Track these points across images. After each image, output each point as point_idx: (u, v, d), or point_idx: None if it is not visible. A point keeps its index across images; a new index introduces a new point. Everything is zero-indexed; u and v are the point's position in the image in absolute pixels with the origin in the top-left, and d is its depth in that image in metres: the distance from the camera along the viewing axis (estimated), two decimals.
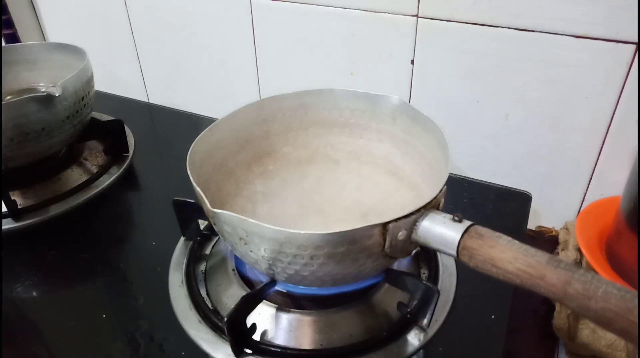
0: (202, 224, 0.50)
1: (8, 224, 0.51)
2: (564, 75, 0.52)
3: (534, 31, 0.51)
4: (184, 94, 0.79)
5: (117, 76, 0.82)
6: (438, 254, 0.47)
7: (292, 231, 0.32)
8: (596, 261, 0.51)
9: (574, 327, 0.53)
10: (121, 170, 0.59)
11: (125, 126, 0.61)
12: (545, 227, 0.63)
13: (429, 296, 0.38)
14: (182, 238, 0.49)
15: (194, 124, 0.72)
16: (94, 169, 0.59)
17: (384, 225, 0.33)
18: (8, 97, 0.64)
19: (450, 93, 0.58)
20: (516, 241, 0.31)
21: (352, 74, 0.65)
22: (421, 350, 0.39)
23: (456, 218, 0.33)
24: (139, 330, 0.41)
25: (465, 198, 0.57)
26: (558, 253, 0.59)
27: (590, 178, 0.62)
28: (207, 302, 0.43)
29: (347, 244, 0.33)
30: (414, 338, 0.40)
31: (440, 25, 0.54)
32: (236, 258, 0.45)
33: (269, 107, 0.48)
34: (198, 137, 0.42)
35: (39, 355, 0.39)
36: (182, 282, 0.44)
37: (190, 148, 0.40)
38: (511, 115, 0.58)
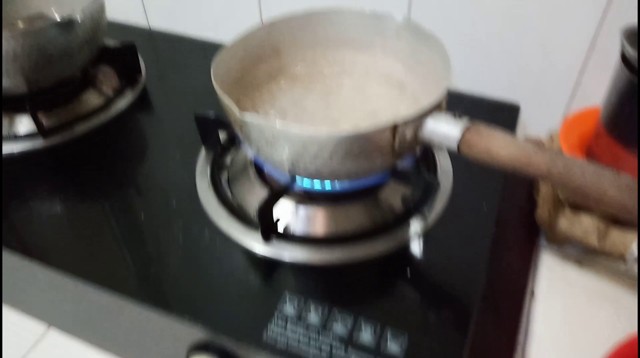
0: (221, 136, 0.54)
1: (36, 143, 0.55)
2: None
3: None
4: (184, 19, 0.80)
5: (116, 1, 0.82)
6: (436, 156, 0.53)
7: (314, 131, 0.37)
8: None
9: (554, 218, 0.60)
10: (137, 92, 0.63)
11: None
12: (532, 137, 0.69)
13: (431, 188, 0.44)
14: (203, 150, 0.54)
15: (197, 48, 0.74)
16: (110, 93, 0.62)
17: (394, 126, 0.38)
18: (20, 23, 0.65)
19: (448, 13, 0.61)
20: (508, 135, 0.37)
21: None
22: (422, 237, 0.46)
23: (457, 115, 0.39)
24: (176, 226, 0.47)
25: (459, 109, 0.61)
26: None
27: (574, 91, 0.67)
28: (233, 202, 0.48)
29: (362, 142, 0.38)
30: (416, 225, 0.46)
31: None
32: (256, 165, 0.50)
33: (280, 27, 0.52)
34: (220, 51, 0.46)
35: (91, 258, 0.45)
36: (209, 185, 0.50)
37: (214, 62, 0.44)
38: (503, 34, 0.62)
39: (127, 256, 0.44)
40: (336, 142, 0.37)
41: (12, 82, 0.53)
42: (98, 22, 0.56)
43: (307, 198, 0.47)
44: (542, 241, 0.62)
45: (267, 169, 0.48)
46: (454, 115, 0.38)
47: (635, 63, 0.49)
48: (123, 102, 0.61)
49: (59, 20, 0.51)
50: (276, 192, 0.44)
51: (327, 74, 0.54)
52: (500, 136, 0.37)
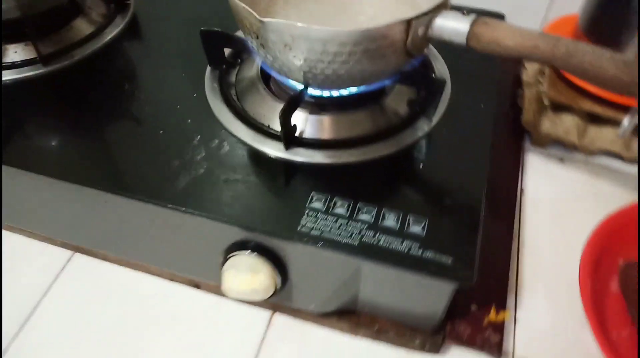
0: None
1: (37, 70, 0.54)
2: None
3: None
4: None
5: None
6: (433, 63, 0.55)
7: (336, 29, 0.39)
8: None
9: (538, 120, 0.64)
10: (128, 17, 0.62)
11: None
12: None
13: (438, 86, 0.47)
14: (209, 68, 0.55)
15: None
16: (100, 19, 0.61)
17: (408, 21, 0.40)
18: None
19: None
20: (512, 24, 0.40)
21: None
22: (429, 136, 0.49)
23: (464, 12, 0.41)
24: (196, 140, 0.48)
25: None
26: (525, 68, 0.69)
27: (551, 1, 0.70)
28: (246, 115, 0.50)
29: (379, 39, 0.40)
30: (423, 125, 0.49)
31: None
32: (264, 79, 0.52)
33: None
34: None
35: (121, 172, 0.46)
36: (222, 101, 0.51)
37: None
38: None
39: (155, 168, 0.46)
40: (356, 39, 0.39)
41: (6, 5, 0.52)
42: None
43: (317, 107, 0.49)
44: (527, 145, 0.67)
45: (280, 80, 0.50)
46: (462, 13, 0.41)
47: None
48: (115, 29, 0.60)
49: None
50: (293, 100, 0.46)
51: None
52: (506, 26, 0.40)
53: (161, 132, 0.49)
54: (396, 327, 0.47)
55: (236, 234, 0.44)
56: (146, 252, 0.52)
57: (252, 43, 0.45)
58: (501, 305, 0.49)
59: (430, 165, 0.47)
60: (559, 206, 0.60)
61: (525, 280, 0.53)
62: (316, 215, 0.43)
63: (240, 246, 0.44)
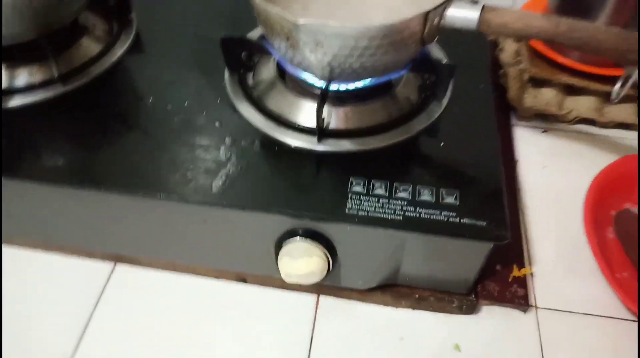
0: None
1: (56, 90, 0.55)
2: None
3: None
4: None
5: None
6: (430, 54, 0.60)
7: (367, 24, 0.43)
8: (535, 42, 0.68)
9: (521, 95, 0.71)
10: (133, 32, 0.63)
11: None
12: None
13: (449, 71, 0.52)
14: (227, 73, 0.57)
15: None
16: (105, 36, 0.63)
17: (427, 13, 0.45)
18: None
19: None
20: (516, 9, 0.45)
21: None
22: (440, 118, 0.54)
23: (473, 1, 0.46)
24: (230, 142, 0.51)
25: None
26: (502, 50, 0.75)
27: None
28: (274, 112, 0.53)
29: (403, 30, 0.45)
30: (435, 108, 0.54)
31: None
32: (283, 80, 0.55)
33: None
34: None
35: (164, 177, 0.48)
36: (249, 103, 0.54)
37: None
38: None
39: (197, 171, 0.48)
40: (384, 32, 0.43)
41: (22, 27, 0.52)
42: None
43: (337, 99, 0.53)
44: (514, 121, 0.73)
45: (300, 77, 0.53)
46: (471, 2, 0.46)
47: None
48: (124, 44, 0.61)
49: None
50: (323, 96, 0.50)
51: None
52: (512, 11, 0.45)
53: (197, 137, 0.51)
54: (434, 293, 0.52)
55: (287, 223, 0.47)
56: (192, 253, 0.54)
57: (279, 44, 0.48)
58: (520, 262, 0.55)
59: (450, 142, 0.52)
60: (549, 170, 0.67)
61: (533, 238, 0.59)
62: (359, 197, 0.46)
63: (291, 234, 0.47)
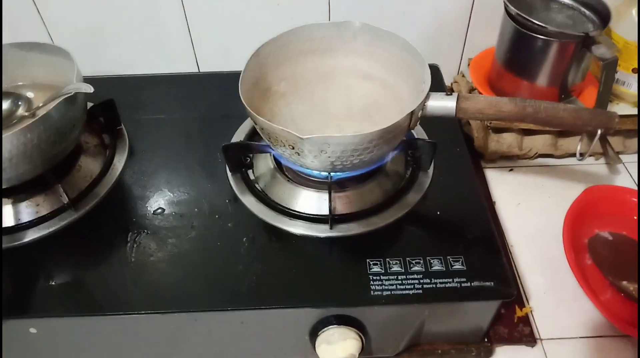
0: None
1: (69, 218, 0.57)
2: None
3: None
4: (109, 58, 0.83)
5: None
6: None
7: (367, 132, 0.49)
8: (487, 94, 0.77)
9: (486, 142, 0.79)
10: (126, 142, 0.66)
11: None
12: None
13: (432, 148, 0.58)
14: (229, 173, 0.61)
15: (135, 85, 0.78)
16: (101, 151, 0.65)
17: (412, 111, 0.51)
18: None
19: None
20: (488, 96, 0.52)
21: (278, 4, 0.78)
22: (429, 187, 0.60)
23: (448, 93, 0.53)
24: (246, 241, 0.55)
25: None
26: None
27: (465, 42, 0.86)
28: (283, 207, 0.58)
29: (395, 129, 0.51)
30: (424, 179, 0.61)
31: None
32: (286, 172, 0.60)
33: (264, 53, 0.60)
34: (240, 84, 0.54)
35: (198, 290, 0.51)
36: (257, 201, 0.58)
37: (243, 94, 0.53)
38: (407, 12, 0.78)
39: (226, 278, 0.52)
40: (381, 134, 0.49)
41: (31, 166, 0.54)
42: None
43: (338, 185, 0.59)
44: (482, 164, 0.81)
45: (306, 173, 0.58)
46: (446, 94, 0.52)
47: (517, 18, 0.68)
48: (122, 157, 0.64)
49: (67, 95, 0.53)
50: (330, 187, 0.55)
51: (305, 83, 0.65)
52: (483, 98, 0.52)
53: (218, 243, 0.55)
54: (454, 346, 0.58)
55: (319, 313, 0.51)
56: (229, 354, 0.57)
57: (283, 151, 0.53)
58: (520, 301, 0.62)
59: (444, 208, 0.58)
60: (522, 207, 0.75)
61: (523, 273, 0.66)
62: (379, 277, 0.52)
63: (324, 322, 0.52)
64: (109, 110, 0.66)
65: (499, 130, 0.78)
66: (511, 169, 0.80)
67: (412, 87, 0.58)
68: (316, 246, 0.55)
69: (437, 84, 0.76)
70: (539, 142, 0.79)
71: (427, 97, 0.52)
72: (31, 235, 0.56)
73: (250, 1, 0.78)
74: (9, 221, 0.57)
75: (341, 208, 0.58)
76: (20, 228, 0.57)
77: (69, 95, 0.54)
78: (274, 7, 0.78)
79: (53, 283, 0.52)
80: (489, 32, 0.80)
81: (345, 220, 0.57)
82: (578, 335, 0.61)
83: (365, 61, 0.64)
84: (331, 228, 0.56)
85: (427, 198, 0.59)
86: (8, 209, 0.57)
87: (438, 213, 0.58)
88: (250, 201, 0.59)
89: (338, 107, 0.65)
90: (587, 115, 0.50)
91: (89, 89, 0.53)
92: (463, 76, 0.87)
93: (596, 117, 0.49)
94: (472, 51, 0.86)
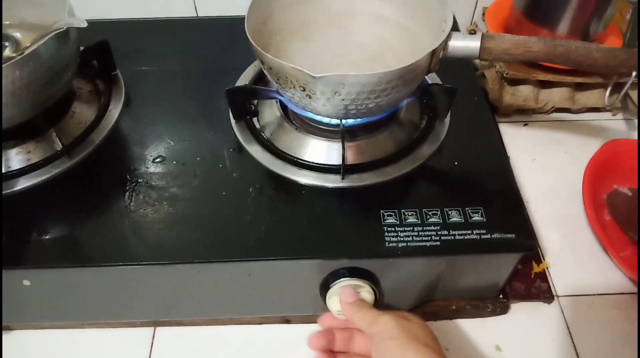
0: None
1: (63, 165, 0.54)
2: None
3: None
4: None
5: None
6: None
7: (385, 70, 0.45)
8: None
9: (501, 95, 0.75)
10: (122, 88, 0.62)
11: None
12: None
13: (451, 94, 0.54)
14: (234, 122, 0.58)
15: (129, 30, 0.73)
16: (95, 97, 0.61)
17: (434, 50, 0.47)
18: None
19: None
20: (514, 35, 0.48)
21: None
22: (447, 136, 0.57)
23: (471, 32, 0.49)
24: (255, 192, 0.52)
25: None
26: None
27: None
28: (289, 156, 0.54)
29: (415, 69, 0.47)
30: (441, 128, 0.57)
31: None
32: (294, 121, 0.57)
33: None
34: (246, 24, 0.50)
35: (205, 240, 0.49)
36: (264, 150, 0.55)
37: (247, 29, 0.49)
38: None
39: (233, 228, 0.49)
40: (400, 74, 0.46)
41: (19, 109, 0.50)
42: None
43: (349, 134, 0.55)
44: (496, 119, 0.77)
45: (317, 119, 0.55)
46: (470, 33, 0.49)
47: None
48: (118, 103, 0.60)
49: (59, 30, 0.49)
50: (343, 135, 0.51)
51: (319, 24, 0.60)
52: (509, 37, 0.48)
53: (222, 193, 0.52)
54: (469, 302, 0.55)
55: (331, 265, 0.49)
56: (236, 306, 0.54)
57: (293, 94, 0.49)
58: (537, 257, 0.59)
59: (462, 160, 0.55)
60: (538, 162, 0.72)
61: (539, 230, 0.64)
62: (395, 229, 0.49)
63: (335, 275, 0.49)
64: (103, 53, 0.61)
65: (515, 82, 0.74)
66: (526, 124, 0.77)
67: (430, 29, 0.54)
68: (327, 197, 0.52)
69: None
70: (556, 95, 0.75)
71: (448, 37, 0.48)
72: (22, 183, 0.53)
73: None
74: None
75: (352, 158, 0.54)
76: (10, 175, 0.53)
77: (61, 30, 0.49)
78: None
79: (46, 233, 0.49)
80: None
81: (358, 170, 0.53)
82: (595, 292, 0.59)
83: (379, 0, 0.60)
84: (343, 178, 0.52)
85: (444, 148, 0.56)
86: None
87: (455, 163, 0.55)
88: (256, 151, 0.55)
89: (350, 50, 0.61)
90: (623, 55, 0.46)
91: (83, 23, 0.49)
92: (477, 26, 0.83)
93: (632, 57, 0.46)
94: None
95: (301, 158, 0.54)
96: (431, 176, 0.54)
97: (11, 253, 0.47)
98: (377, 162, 0.54)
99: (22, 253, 0.48)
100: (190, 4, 0.79)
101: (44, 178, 0.53)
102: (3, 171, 0.53)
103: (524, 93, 0.75)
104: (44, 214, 0.51)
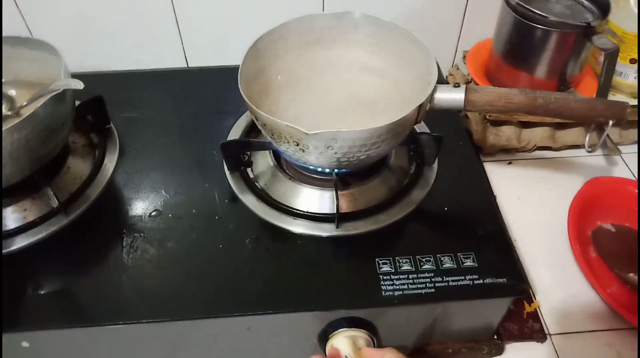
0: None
1: (60, 222, 0.54)
2: None
3: None
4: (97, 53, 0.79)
5: None
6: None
7: (376, 126, 0.47)
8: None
9: (484, 136, 0.78)
10: (117, 141, 0.63)
11: None
12: None
13: (437, 142, 0.57)
14: (228, 172, 0.59)
15: (121, 81, 0.74)
16: (89, 151, 0.62)
17: (421, 104, 0.49)
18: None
19: None
20: (497, 87, 0.51)
21: None
22: (435, 183, 0.59)
23: (456, 85, 0.51)
24: (250, 242, 0.53)
25: None
26: None
27: (460, 33, 0.84)
28: (282, 205, 0.55)
29: (404, 123, 0.49)
30: (429, 173, 0.59)
31: None
32: (287, 170, 0.58)
33: (262, 45, 0.58)
34: (239, 78, 0.51)
35: (214, 296, 0.49)
36: (258, 200, 0.56)
37: (243, 91, 0.50)
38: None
39: (232, 281, 0.50)
40: (390, 129, 0.48)
41: (19, 168, 0.51)
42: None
43: (341, 182, 0.57)
44: (481, 158, 0.80)
45: (309, 169, 0.56)
46: (454, 86, 0.51)
47: (517, 7, 0.67)
48: (112, 157, 0.61)
49: (55, 92, 0.50)
50: (336, 185, 0.53)
51: (304, 74, 0.62)
52: (492, 90, 0.50)
53: (220, 245, 0.53)
54: (465, 344, 0.56)
55: (329, 316, 0.49)
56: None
57: (287, 148, 0.51)
58: (528, 297, 0.61)
59: (452, 203, 0.57)
60: (524, 200, 0.74)
61: (528, 268, 0.65)
62: (390, 277, 0.50)
63: (333, 325, 0.50)
64: (97, 108, 0.62)
65: (497, 123, 0.77)
66: (510, 163, 0.79)
67: (416, 79, 0.57)
68: (323, 246, 0.53)
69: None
70: (538, 134, 0.78)
71: (434, 90, 0.51)
72: (19, 243, 0.53)
73: None
74: None
75: (346, 206, 0.56)
76: (6, 235, 0.53)
77: (58, 92, 0.50)
78: None
79: (44, 294, 0.49)
80: (485, 22, 0.79)
81: (351, 218, 0.55)
82: (587, 329, 0.60)
83: (366, 52, 0.62)
84: (337, 227, 0.54)
85: (434, 192, 0.58)
86: None
87: (445, 208, 0.57)
88: (251, 201, 0.56)
89: (339, 101, 0.63)
90: (600, 105, 0.49)
91: (79, 85, 0.50)
92: (458, 68, 0.86)
93: (609, 107, 0.48)
94: (467, 43, 0.85)
95: (295, 207, 0.55)
96: (423, 222, 0.56)
97: (9, 315, 0.47)
98: (371, 209, 0.55)
99: (19, 315, 0.47)
100: (181, 55, 0.81)
101: (40, 236, 0.53)
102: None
103: (506, 133, 0.78)
104: (41, 274, 0.51)
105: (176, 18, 0.77)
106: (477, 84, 0.77)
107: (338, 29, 0.61)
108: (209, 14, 0.77)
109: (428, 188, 0.58)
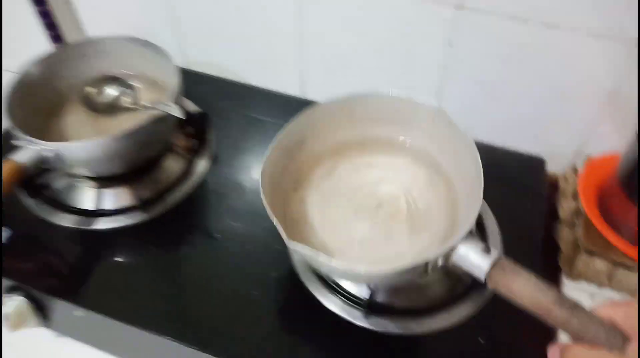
0: None
1: (136, 217, 0.64)
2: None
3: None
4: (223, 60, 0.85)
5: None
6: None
7: (387, 267, 0.47)
8: (592, 214, 0.66)
9: (573, 261, 0.69)
10: (213, 151, 0.71)
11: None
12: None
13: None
14: None
15: (240, 91, 0.80)
16: (186, 154, 0.70)
17: (427, 262, 0.46)
18: (87, 87, 0.71)
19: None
20: (532, 277, 0.43)
21: None
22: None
23: (486, 250, 0.46)
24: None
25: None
26: (561, 205, 0.72)
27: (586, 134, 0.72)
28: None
29: (402, 273, 0.48)
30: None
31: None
32: None
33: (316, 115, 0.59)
34: (263, 162, 0.53)
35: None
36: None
37: (260, 179, 0.51)
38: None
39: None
40: (385, 275, 0.49)
41: (112, 167, 0.62)
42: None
43: None
44: (562, 278, 0.72)
45: None
46: (483, 250, 0.45)
47: None
48: (203, 164, 0.69)
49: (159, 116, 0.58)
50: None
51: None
52: (523, 279, 0.44)
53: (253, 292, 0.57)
54: None
55: None
56: None
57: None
58: None
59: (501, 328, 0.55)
60: None
61: None
62: None
63: None
64: (200, 123, 0.70)
65: (591, 253, 0.68)
66: (592, 295, 0.70)
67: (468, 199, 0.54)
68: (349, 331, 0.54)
69: (536, 183, 0.68)
70: (633, 280, 0.67)
71: (454, 246, 0.46)
72: (103, 224, 0.63)
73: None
74: (89, 204, 0.65)
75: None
76: (96, 213, 0.64)
77: (161, 115, 0.59)
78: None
79: (109, 278, 0.58)
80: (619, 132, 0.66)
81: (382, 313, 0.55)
82: None
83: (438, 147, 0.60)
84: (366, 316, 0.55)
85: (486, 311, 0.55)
86: (92, 193, 0.66)
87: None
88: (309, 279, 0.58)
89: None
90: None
91: (181, 115, 0.58)
92: (576, 173, 0.74)
93: None
94: (594, 148, 0.73)
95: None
96: (459, 343, 0.55)
97: (70, 286, 0.58)
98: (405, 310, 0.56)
99: (80, 290, 0.57)
100: (296, 83, 0.82)
101: (120, 224, 0.64)
102: (94, 207, 0.65)
103: (597, 267, 0.68)
104: (114, 257, 0.60)
105: (300, 47, 0.77)
106: (582, 202, 0.67)
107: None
108: (332, 49, 0.76)
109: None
